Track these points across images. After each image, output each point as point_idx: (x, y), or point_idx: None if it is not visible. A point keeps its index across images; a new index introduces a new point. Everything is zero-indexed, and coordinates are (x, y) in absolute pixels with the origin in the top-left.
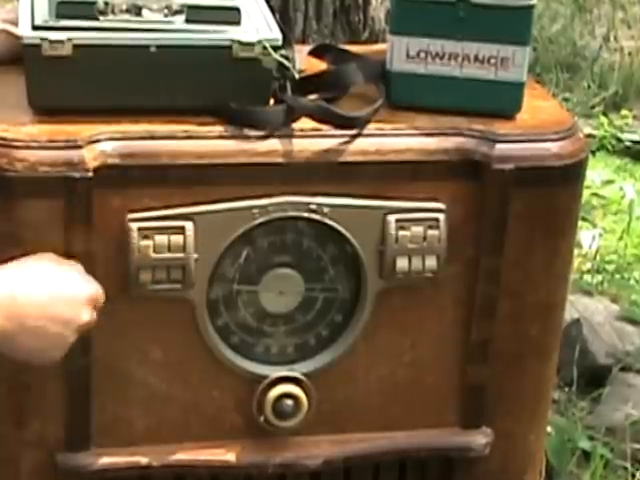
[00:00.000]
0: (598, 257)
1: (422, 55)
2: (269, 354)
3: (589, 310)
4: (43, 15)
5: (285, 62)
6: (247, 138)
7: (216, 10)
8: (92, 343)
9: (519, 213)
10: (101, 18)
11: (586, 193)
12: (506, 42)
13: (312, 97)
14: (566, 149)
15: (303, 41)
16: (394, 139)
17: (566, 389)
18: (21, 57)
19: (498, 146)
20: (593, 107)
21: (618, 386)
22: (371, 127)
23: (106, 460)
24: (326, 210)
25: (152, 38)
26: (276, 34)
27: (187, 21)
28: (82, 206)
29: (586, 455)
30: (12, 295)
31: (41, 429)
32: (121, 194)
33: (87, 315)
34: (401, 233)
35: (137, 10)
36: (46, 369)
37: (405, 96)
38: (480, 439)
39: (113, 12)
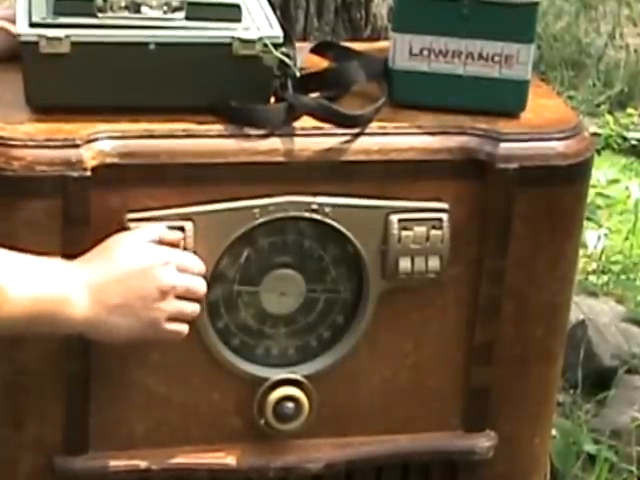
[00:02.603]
0: (603, 257)
1: (425, 53)
2: (270, 356)
3: (594, 311)
4: (41, 12)
5: (286, 60)
6: (247, 137)
7: (216, 7)
8: (90, 345)
9: (523, 213)
10: (100, 15)
11: (591, 193)
12: (510, 40)
13: (313, 95)
14: (571, 148)
15: (304, 38)
16: (397, 138)
17: (571, 391)
18: (19, 55)
19: (502, 145)
20: (598, 105)
21: (624, 388)
22: (373, 126)
23: (105, 463)
24: (327, 210)
25: (151, 35)
26: (277, 31)
27: (187, 18)
28: (80, 206)
29: (591, 458)
30: (89, 282)
31: (39, 432)
32: (120, 194)
33: (166, 279)
34: (404, 233)
35: (136, 7)
36: (44, 371)
37: (408, 94)
38: (484, 442)
39: (112, 9)
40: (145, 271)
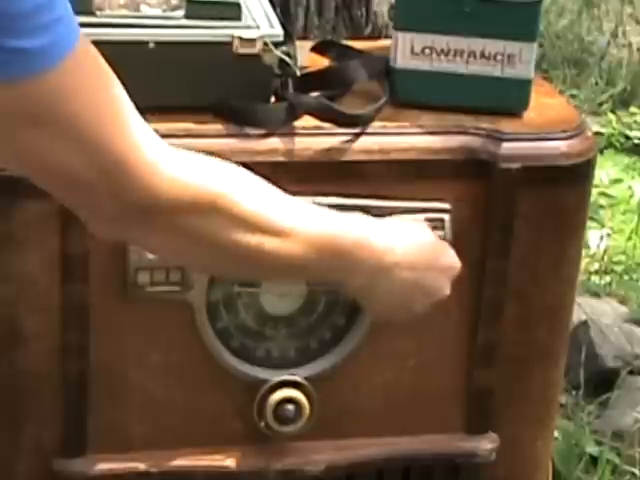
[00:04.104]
0: (606, 258)
1: (427, 51)
2: (270, 358)
3: (597, 312)
4: None
5: (286, 59)
6: (248, 136)
7: (216, 5)
8: (89, 346)
9: (526, 213)
10: (98, 13)
11: (594, 192)
12: (513, 38)
13: (314, 94)
14: (574, 148)
15: (304, 37)
16: (398, 137)
17: (573, 393)
18: None
19: (504, 145)
20: (601, 104)
21: (626, 390)
22: (375, 125)
23: (103, 466)
24: None
25: (151, 34)
26: (277, 30)
27: (186, 16)
28: None
29: (593, 460)
30: (390, 246)
31: (37, 434)
32: None
33: (448, 290)
34: None
35: (135, 5)
36: (42, 372)
37: (409, 93)
38: (486, 444)
39: (110, 7)
40: (441, 275)
